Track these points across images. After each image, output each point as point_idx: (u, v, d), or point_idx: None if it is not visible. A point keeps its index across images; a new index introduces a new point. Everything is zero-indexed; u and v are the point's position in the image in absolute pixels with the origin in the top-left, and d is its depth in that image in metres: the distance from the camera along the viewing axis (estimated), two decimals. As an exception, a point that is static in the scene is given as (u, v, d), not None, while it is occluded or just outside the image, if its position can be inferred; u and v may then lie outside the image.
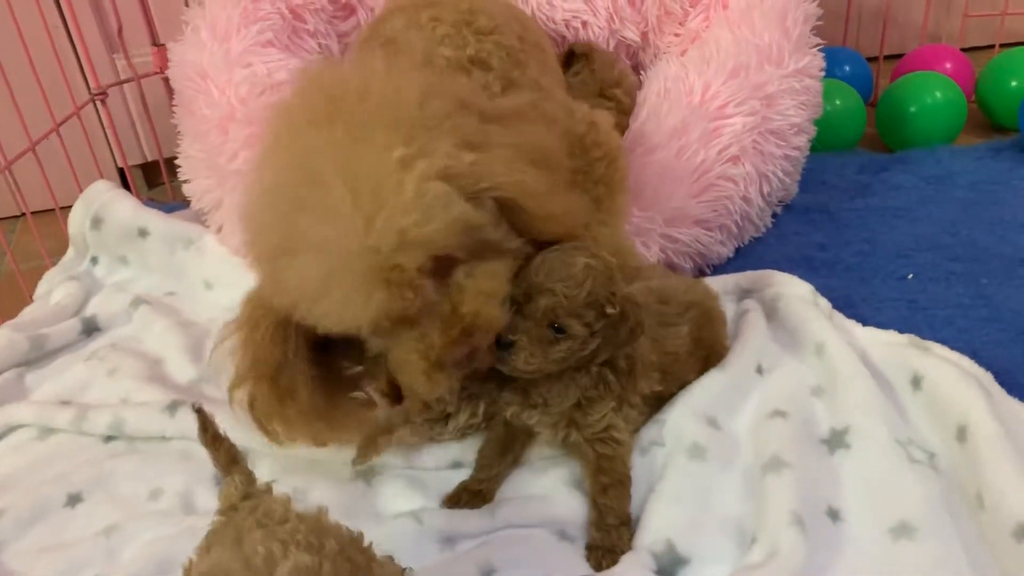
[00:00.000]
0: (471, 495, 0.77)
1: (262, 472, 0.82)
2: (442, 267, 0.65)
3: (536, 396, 0.73)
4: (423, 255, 0.62)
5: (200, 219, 1.17)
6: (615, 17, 1.21)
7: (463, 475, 0.80)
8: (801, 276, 0.96)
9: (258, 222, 0.67)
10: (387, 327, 0.65)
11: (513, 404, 0.75)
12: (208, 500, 0.80)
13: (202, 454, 0.83)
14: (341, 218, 0.61)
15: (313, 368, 0.73)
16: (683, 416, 0.78)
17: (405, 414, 0.78)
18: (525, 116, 0.74)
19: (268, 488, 0.60)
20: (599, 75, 1.15)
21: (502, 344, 0.68)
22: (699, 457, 0.75)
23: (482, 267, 0.68)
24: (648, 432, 0.79)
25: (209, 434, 0.63)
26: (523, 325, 0.68)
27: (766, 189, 1.09)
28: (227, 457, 0.63)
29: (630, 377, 0.75)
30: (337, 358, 0.75)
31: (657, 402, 0.80)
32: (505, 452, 0.78)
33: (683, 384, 0.82)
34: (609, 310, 0.68)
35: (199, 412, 0.63)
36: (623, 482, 0.73)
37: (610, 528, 0.71)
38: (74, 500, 0.80)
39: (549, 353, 0.68)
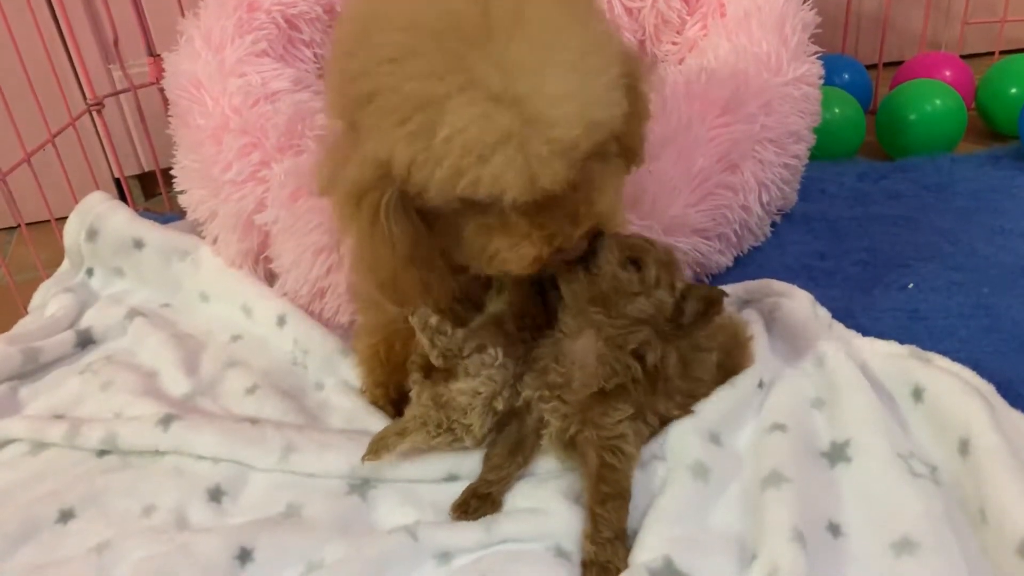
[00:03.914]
0: (480, 500, 0.76)
1: (255, 487, 0.82)
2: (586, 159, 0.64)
3: (556, 374, 0.74)
4: (598, 138, 0.62)
5: (196, 230, 1.16)
6: (612, 25, 1.21)
7: (458, 488, 0.79)
8: (800, 285, 0.95)
9: (403, 60, 0.60)
10: (525, 205, 0.63)
11: (531, 387, 0.75)
12: (201, 516, 0.79)
13: (195, 469, 0.84)
14: (539, 75, 0.58)
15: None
16: (686, 432, 0.77)
17: (419, 420, 0.78)
18: None
19: None
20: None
21: (591, 249, 0.70)
22: (702, 475, 0.74)
23: (610, 170, 0.69)
24: (649, 446, 0.78)
25: None
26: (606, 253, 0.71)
27: (765, 198, 1.09)
28: None
29: (653, 389, 0.75)
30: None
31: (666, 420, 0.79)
32: (515, 453, 0.78)
33: None
34: (678, 284, 0.73)
35: None
36: (623, 495, 0.72)
37: (605, 542, 0.69)
38: (66, 516, 0.79)
39: (618, 272, 0.71)
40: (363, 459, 0.78)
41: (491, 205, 0.63)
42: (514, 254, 0.66)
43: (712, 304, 0.74)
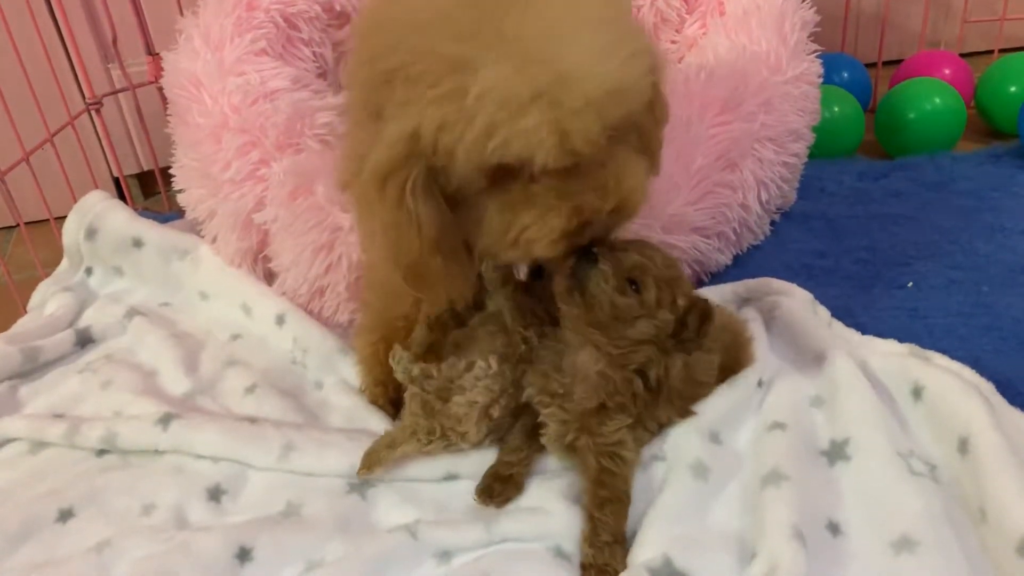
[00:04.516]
0: (502, 483, 0.76)
1: (255, 486, 0.82)
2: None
3: (557, 384, 0.73)
4: (625, 108, 0.62)
5: (195, 229, 1.16)
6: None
7: (458, 487, 0.79)
8: (800, 284, 0.95)
9: (434, 24, 0.61)
10: (553, 172, 0.62)
11: (532, 387, 0.75)
12: (201, 515, 0.79)
13: (195, 468, 0.84)
14: (571, 34, 0.59)
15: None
16: (687, 431, 0.77)
17: (408, 430, 0.78)
18: None
19: None
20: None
21: (588, 255, 0.68)
22: (702, 474, 0.74)
23: (636, 157, 0.69)
24: (649, 445, 0.77)
25: None
26: (607, 265, 0.69)
27: (764, 196, 1.08)
28: None
29: (655, 401, 0.74)
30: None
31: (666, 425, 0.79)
32: (533, 436, 0.77)
33: None
34: (680, 301, 0.70)
35: None
36: (622, 499, 0.72)
37: (603, 545, 0.69)
38: (65, 516, 0.79)
39: (616, 299, 0.69)
40: (358, 474, 0.79)
41: (517, 178, 0.64)
42: (541, 228, 0.65)
43: (706, 320, 0.72)
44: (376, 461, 0.78)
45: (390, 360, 0.78)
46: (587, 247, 0.68)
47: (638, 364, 0.72)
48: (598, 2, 0.62)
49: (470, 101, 0.59)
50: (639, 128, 0.69)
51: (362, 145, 0.68)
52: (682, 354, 0.74)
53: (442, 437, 0.77)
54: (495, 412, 0.77)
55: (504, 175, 0.64)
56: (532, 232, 0.66)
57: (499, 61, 0.58)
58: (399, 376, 0.77)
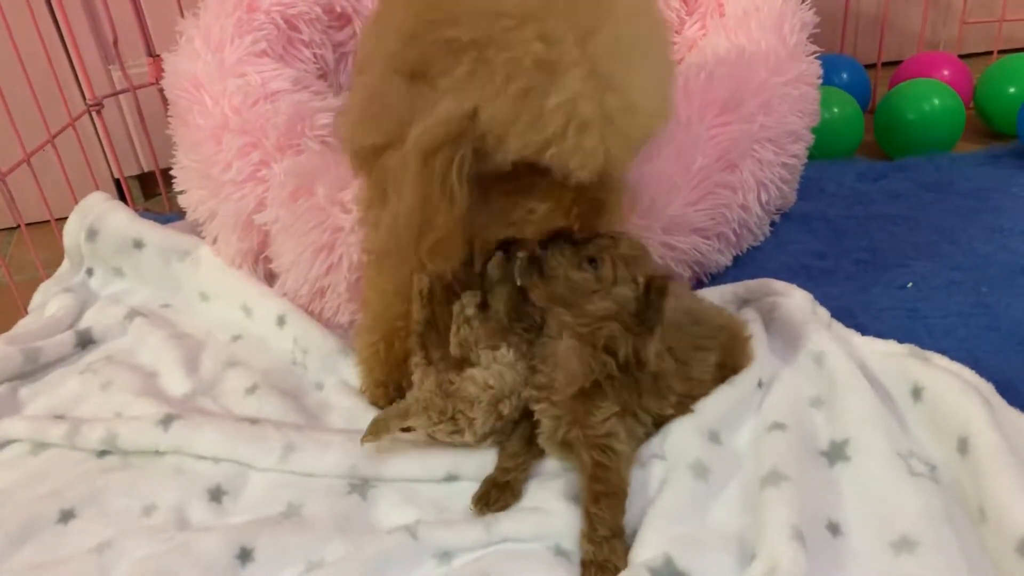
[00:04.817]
0: (499, 490, 0.76)
1: (256, 486, 0.82)
2: None
3: (543, 375, 0.74)
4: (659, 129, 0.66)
5: (196, 230, 1.16)
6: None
7: (458, 487, 0.79)
8: (800, 285, 0.95)
9: (519, 19, 0.61)
10: (577, 182, 0.65)
11: (528, 386, 0.76)
12: (202, 516, 0.79)
13: (195, 468, 0.84)
14: (638, 64, 0.62)
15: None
16: (686, 431, 0.77)
17: (421, 404, 0.78)
18: None
19: None
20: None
21: (543, 243, 0.72)
22: (702, 474, 0.74)
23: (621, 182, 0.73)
24: (649, 445, 0.78)
25: None
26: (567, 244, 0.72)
27: (764, 197, 1.09)
28: None
29: (637, 387, 0.75)
30: None
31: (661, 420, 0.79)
32: (532, 442, 0.78)
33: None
34: (640, 279, 0.72)
35: None
36: (617, 493, 0.72)
37: (602, 540, 0.69)
38: (66, 516, 0.79)
39: (571, 273, 0.71)
40: (362, 440, 0.78)
41: (547, 174, 0.65)
42: (546, 218, 0.69)
43: (660, 294, 0.73)
44: (384, 428, 0.78)
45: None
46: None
47: (605, 340, 0.73)
48: (659, 34, 0.66)
49: (548, 107, 0.60)
50: None
51: (387, 106, 0.67)
52: (651, 336, 0.74)
53: (451, 420, 0.77)
54: (505, 409, 0.77)
55: (529, 169, 0.65)
56: (535, 216, 0.69)
57: (582, 76, 0.60)
58: (457, 306, 0.80)
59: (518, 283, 0.74)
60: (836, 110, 1.35)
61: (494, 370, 0.77)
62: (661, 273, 0.74)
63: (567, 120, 0.60)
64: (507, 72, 0.61)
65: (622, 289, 0.72)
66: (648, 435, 0.78)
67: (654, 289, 0.72)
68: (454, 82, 0.63)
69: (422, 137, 0.64)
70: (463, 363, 0.80)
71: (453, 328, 0.80)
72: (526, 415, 0.78)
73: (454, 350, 0.80)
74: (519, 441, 0.79)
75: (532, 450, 0.78)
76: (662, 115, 0.65)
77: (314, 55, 1.20)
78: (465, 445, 0.80)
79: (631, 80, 0.62)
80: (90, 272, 1.19)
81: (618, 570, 0.68)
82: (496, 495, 0.76)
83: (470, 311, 0.79)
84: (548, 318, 0.77)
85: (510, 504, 0.76)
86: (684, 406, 0.79)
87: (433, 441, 0.80)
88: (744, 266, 1.10)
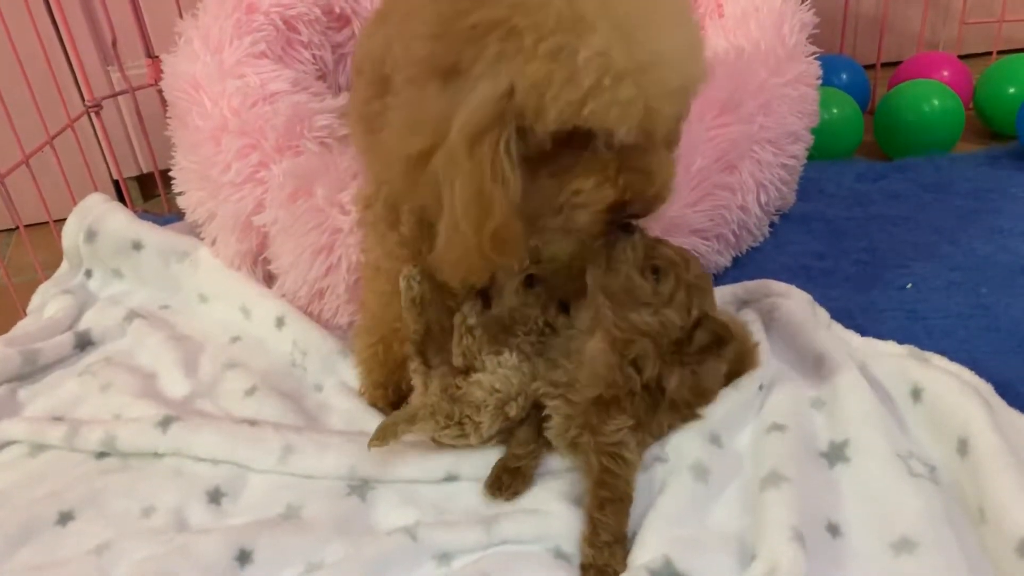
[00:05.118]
0: (511, 475, 0.76)
1: (255, 488, 0.82)
2: None
3: (563, 372, 0.74)
4: (690, 99, 0.68)
5: (194, 231, 1.16)
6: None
7: (458, 488, 0.79)
8: (799, 286, 0.95)
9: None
10: (616, 146, 0.65)
11: (540, 379, 0.76)
12: (201, 517, 0.79)
13: (194, 470, 0.84)
14: (666, 23, 0.63)
15: None
16: (688, 434, 0.77)
17: (428, 409, 0.78)
18: None
19: None
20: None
21: (628, 228, 0.72)
22: (702, 476, 0.74)
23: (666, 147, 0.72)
24: (651, 448, 0.78)
25: None
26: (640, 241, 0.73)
27: (763, 198, 1.09)
28: None
29: (655, 408, 0.75)
30: None
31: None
32: (542, 432, 0.77)
33: None
34: (695, 312, 0.72)
35: None
36: (623, 500, 0.72)
37: (603, 545, 0.69)
38: (65, 518, 0.79)
39: (632, 273, 0.71)
40: (369, 445, 0.77)
41: (579, 147, 0.65)
42: (592, 195, 0.67)
43: (720, 342, 0.73)
44: (392, 433, 0.77)
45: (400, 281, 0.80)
46: (627, 224, 0.71)
47: (635, 354, 0.72)
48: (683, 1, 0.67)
49: (580, 61, 0.60)
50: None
51: (425, 109, 0.66)
52: (680, 368, 0.74)
53: (458, 424, 0.77)
54: (511, 411, 0.77)
55: (569, 142, 0.65)
56: (583, 197, 0.68)
57: (611, 29, 0.60)
58: (458, 316, 0.80)
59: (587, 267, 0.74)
60: (835, 111, 1.35)
61: (500, 374, 0.77)
62: (718, 317, 0.74)
63: (601, 72, 0.60)
64: (535, 35, 0.61)
65: (672, 313, 0.72)
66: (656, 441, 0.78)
67: (704, 329, 0.72)
68: (486, 66, 0.63)
69: (465, 126, 0.64)
70: (466, 369, 0.80)
71: (455, 338, 0.80)
72: (536, 407, 0.78)
73: (457, 360, 0.80)
74: (531, 428, 0.78)
75: (543, 438, 0.78)
76: (695, 67, 0.66)
77: (313, 56, 1.20)
78: (468, 446, 0.80)
79: (658, 33, 0.62)
80: (89, 273, 1.19)
81: (617, 574, 0.68)
82: (508, 480, 0.76)
83: (472, 320, 0.79)
84: (580, 311, 0.76)
85: (521, 491, 0.76)
86: (694, 415, 0.78)
87: (435, 443, 0.80)
88: (743, 267, 1.10)
